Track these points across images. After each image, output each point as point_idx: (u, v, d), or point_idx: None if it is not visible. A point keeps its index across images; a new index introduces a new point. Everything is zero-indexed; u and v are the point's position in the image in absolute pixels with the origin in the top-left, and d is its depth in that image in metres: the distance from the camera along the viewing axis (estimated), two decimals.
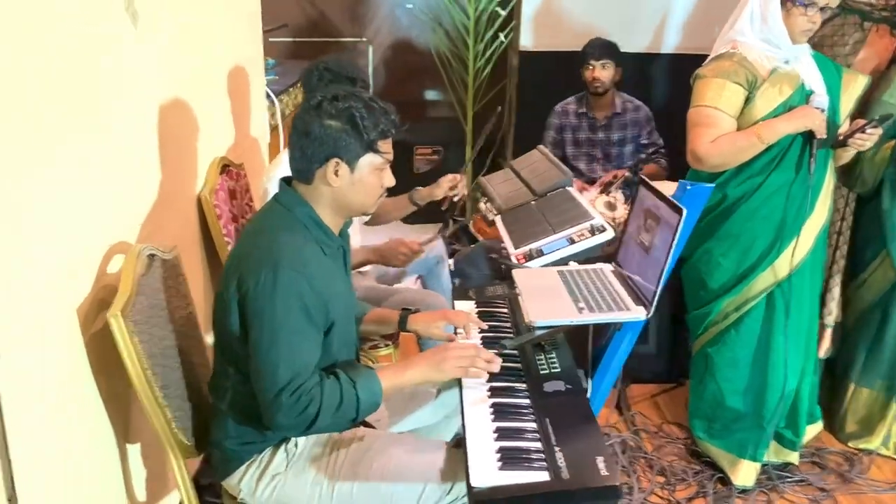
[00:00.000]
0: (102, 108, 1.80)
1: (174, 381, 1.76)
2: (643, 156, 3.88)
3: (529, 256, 2.30)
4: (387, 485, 1.69)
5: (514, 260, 2.30)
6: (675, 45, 4.31)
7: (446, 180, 2.80)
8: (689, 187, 1.78)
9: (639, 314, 1.71)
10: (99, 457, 1.76)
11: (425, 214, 3.09)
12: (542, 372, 1.78)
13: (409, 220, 3.16)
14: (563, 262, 2.26)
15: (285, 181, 1.74)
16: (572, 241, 2.31)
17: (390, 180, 1.75)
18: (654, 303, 1.72)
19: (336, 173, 1.67)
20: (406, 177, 2.89)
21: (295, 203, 1.70)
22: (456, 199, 2.83)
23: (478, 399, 1.69)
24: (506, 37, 4.58)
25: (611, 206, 3.38)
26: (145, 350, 1.66)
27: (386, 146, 1.71)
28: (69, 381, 1.62)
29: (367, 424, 1.88)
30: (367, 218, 2.81)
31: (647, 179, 1.91)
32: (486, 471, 1.45)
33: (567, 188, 2.74)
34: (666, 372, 3.31)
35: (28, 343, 1.47)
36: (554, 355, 1.84)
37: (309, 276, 1.61)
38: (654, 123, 3.90)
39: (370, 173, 1.70)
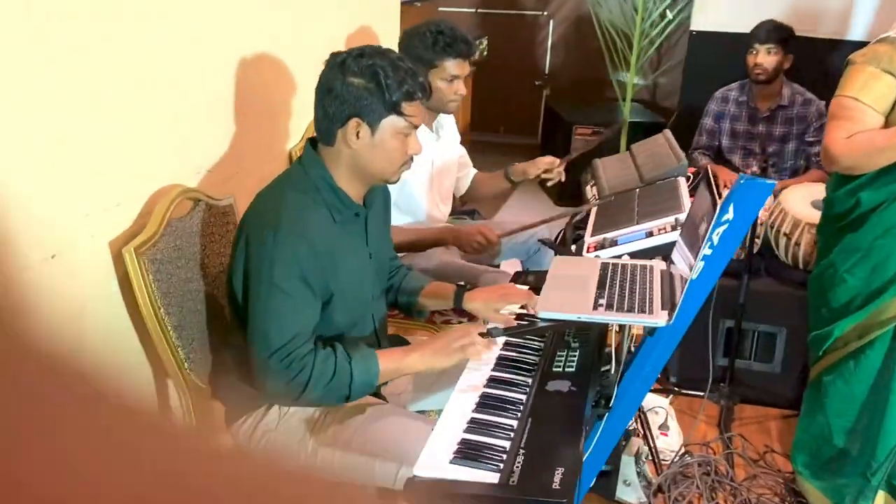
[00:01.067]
0: (190, 59, 1.88)
1: (192, 325, 1.80)
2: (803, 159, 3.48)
3: (601, 245, 2.12)
4: (365, 458, 1.63)
5: (585, 248, 2.13)
6: (866, 31, 3.77)
7: (544, 161, 2.66)
8: (742, 181, 1.53)
9: (659, 320, 1.51)
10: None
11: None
12: (554, 368, 1.63)
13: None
14: (641, 255, 2.06)
15: (311, 143, 1.71)
16: (650, 235, 2.10)
17: (416, 147, 1.67)
18: (677, 309, 1.50)
19: (357, 135, 1.61)
20: (562, 156, 2.78)
21: (312, 165, 1.66)
22: (549, 183, 2.68)
23: (471, 385, 1.58)
24: (675, 15, 4.25)
25: None
26: (160, 289, 1.71)
27: (412, 109, 1.63)
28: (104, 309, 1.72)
29: (379, 396, 1.82)
30: (442, 192, 2.73)
31: (710, 169, 1.66)
32: (435, 460, 1.35)
33: (679, 178, 2.49)
34: (787, 396, 2.95)
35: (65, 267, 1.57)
36: (577, 353, 1.69)
37: (310, 240, 1.57)
38: (825, 121, 3.46)
39: (392, 137, 1.62)
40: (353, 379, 1.57)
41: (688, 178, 2.56)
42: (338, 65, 1.60)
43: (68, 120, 1.61)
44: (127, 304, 1.73)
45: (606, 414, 1.63)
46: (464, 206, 3.15)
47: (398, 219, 2.55)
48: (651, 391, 3.00)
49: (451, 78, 2.43)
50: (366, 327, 1.80)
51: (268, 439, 1.73)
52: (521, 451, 1.36)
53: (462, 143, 5.01)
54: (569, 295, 1.63)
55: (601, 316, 1.53)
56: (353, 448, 1.65)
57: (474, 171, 2.90)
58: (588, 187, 2.80)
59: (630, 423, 2.35)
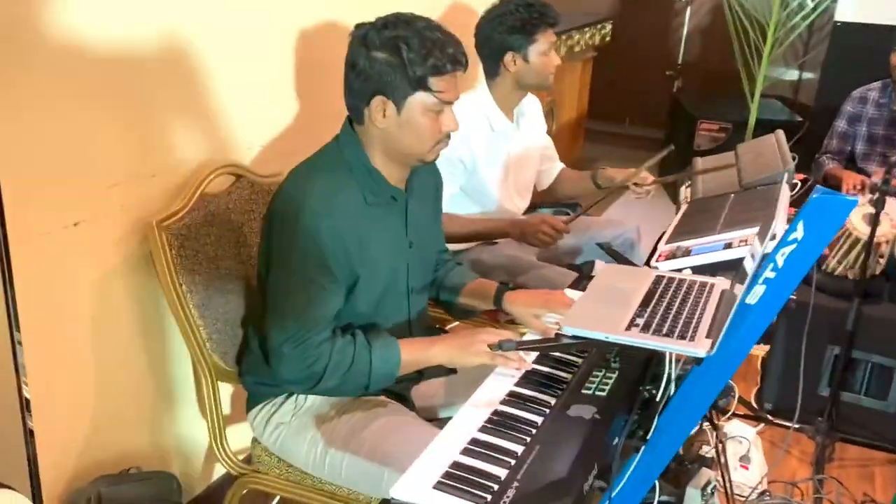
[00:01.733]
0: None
1: (219, 304, 1.73)
2: None
3: (673, 255, 1.89)
4: (374, 467, 1.52)
5: (655, 257, 1.91)
6: None
7: (633, 174, 2.42)
8: (816, 196, 1.28)
9: (700, 349, 1.29)
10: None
11: None
12: (583, 390, 1.45)
13: None
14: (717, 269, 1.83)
15: (349, 120, 1.60)
16: (728, 246, 1.85)
17: (451, 124, 1.52)
18: (719, 338, 1.29)
19: (383, 113, 1.49)
20: (686, 152, 2.56)
21: (347, 143, 1.56)
22: (634, 197, 2.45)
23: (487, 399, 1.43)
24: (819, 3, 3.84)
25: (872, 220, 2.68)
26: (183, 265, 1.66)
27: (442, 84, 1.48)
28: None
29: (404, 399, 1.70)
30: (523, 184, 2.55)
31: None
32: (418, 483, 1.21)
33: (780, 185, 2.21)
34: None
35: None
36: (615, 376, 1.50)
37: (335, 222, 1.46)
38: None
39: (422, 114, 1.49)
40: (371, 369, 1.49)
41: (794, 186, 2.27)
42: (360, 38, 1.48)
43: (101, 85, 1.58)
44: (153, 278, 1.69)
45: (643, 447, 1.43)
46: (559, 200, 2.91)
47: (467, 207, 2.41)
48: (738, 417, 2.73)
49: (547, 50, 2.27)
50: (398, 321, 1.68)
51: (280, 433, 1.64)
52: (516, 484, 1.20)
53: (575, 132, 4.81)
54: (603, 310, 1.44)
55: (632, 338, 1.33)
56: (363, 455, 1.54)
57: (560, 165, 2.70)
58: (683, 188, 2.55)
59: (707, 450, 2.12)
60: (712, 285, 1.55)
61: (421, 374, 1.76)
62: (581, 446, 1.30)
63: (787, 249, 1.32)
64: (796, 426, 2.34)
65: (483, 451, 1.29)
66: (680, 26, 5.57)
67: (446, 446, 1.30)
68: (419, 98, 1.47)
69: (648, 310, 1.43)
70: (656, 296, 1.49)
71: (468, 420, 1.38)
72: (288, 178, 1.56)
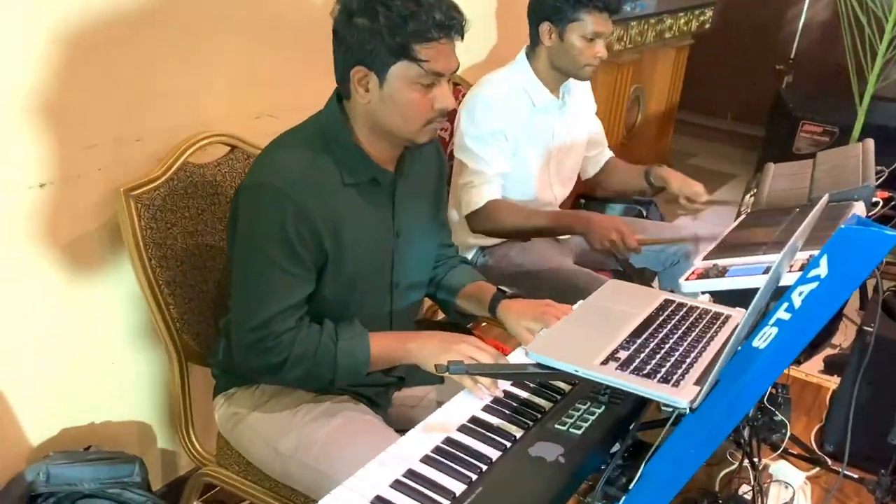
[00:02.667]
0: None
1: (193, 281, 1.62)
2: None
3: (705, 274, 1.65)
4: (319, 475, 1.38)
5: (686, 274, 1.67)
6: None
7: (692, 186, 2.16)
8: (844, 227, 1.03)
9: (681, 399, 1.07)
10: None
11: None
12: (557, 426, 1.25)
13: None
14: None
15: (337, 94, 1.43)
16: (768, 272, 1.60)
17: (445, 100, 1.34)
18: (708, 388, 1.06)
19: (366, 87, 1.32)
20: (783, 154, 2.29)
21: (331, 118, 1.40)
22: (680, 211, 2.18)
23: (441, 424, 1.25)
24: None
25: None
26: (154, 238, 1.55)
27: (430, 52, 1.29)
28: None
29: (373, 404, 1.54)
30: (567, 172, 2.32)
31: None
32: None
33: (855, 202, 1.92)
34: None
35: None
36: (598, 412, 1.29)
37: (300, 199, 1.31)
38: None
39: (407, 87, 1.31)
40: (337, 363, 1.35)
41: (874, 206, 1.97)
42: (343, 3, 1.31)
43: (80, 34, 1.47)
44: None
45: (623, 498, 1.23)
46: (646, 195, 2.61)
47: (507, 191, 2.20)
48: (790, 456, 2.43)
49: (593, 36, 2.02)
50: (377, 317, 1.52)
51: (239, 426, 1.52)
52: None
53: (664, 123, 4.48)
54: (583, 337, 1.24)
55: (606, 375, 1.13)
56: (311, 460, 1.39)
57: (609, 154, 2.45)
58: (747, 196, 2.27)
59: (746, 491, 1.87)
60: (727, 318, 1.32)
61: (403, 381, 1.60)
62: (531, 493, 1.11)
63: (807, 288, 1.09)
64: (855, 476, 2.04)
65: (416, 485, 1.12)
66: (796, 17, 5.12)
67: (377, 474, 1.14)
68: (401, 69, 1.29)
69: (638, 342, 1.22)
70: (654, 325, 1.28)
71: (413, 446, 1.20)
72: (263, 152, 1.42)
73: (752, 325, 1.15)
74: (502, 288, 1.59)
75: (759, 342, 1.14)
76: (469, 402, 1.29)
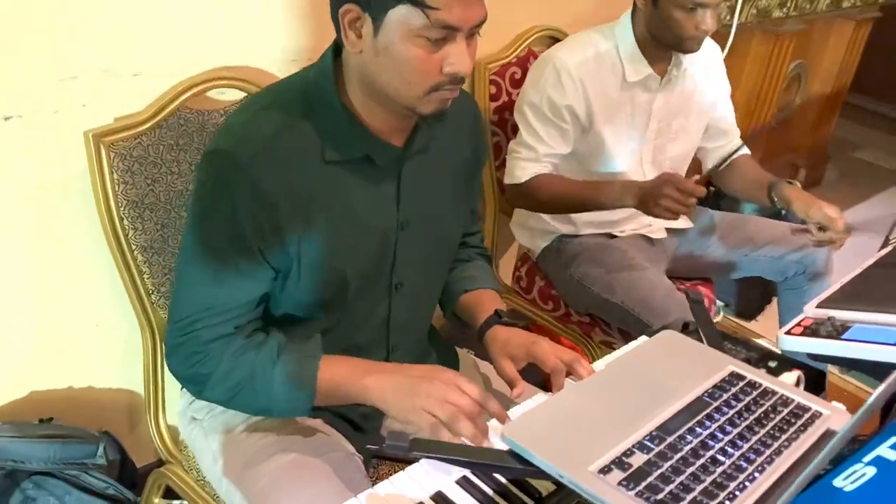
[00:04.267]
0: None
1: (172, 250, 1.37)
2: None
3: (814, 329, 1.24)
4: None
5: (790, 325, 1.26)
6: None
7: (823, 212, 1.69)
8: None
9: None
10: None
11: None
12: None
13: None
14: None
15: (335, 45, 1.11)
16: None
17: (459, 62, 0.99)
18: None
19: (358, 33, 1.00)
20: None
21: (320, 73, 1.08)
22: (812, 241, 1.72)
23: (396, 492, 0.95)
24: None
25: None
26: (128, 194, 1.31)
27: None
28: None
29: (353, 425, 1.24)
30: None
31: None
32: None
33: None
34: None
35: None
36: None
37: (261, 176, 1.01)
38: None
39: (407, 40, 0.97)
40: (272, 392, 1.04)
41: None
42: None
43: None
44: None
45: None
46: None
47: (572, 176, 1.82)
48: None
49: (694, 6, 1.59)
50: (369, 329, 1.22)
51: (194, 428, 1.28)
52: None
53: (829, 106, 3.84)
54: (589, 419, 0.88)
55: (600, 494, 0.78)
56: (253, 495, 1.13)
57: (742, 151, 1.98)
58: None
59: None
60: (817, 417, 0.92)
61: None
62: None
63: None
64: None
65: None
66: None
67: None
68: (402, 14, 0.95)
69: (668, 440, 0.85)
70: (699, 415, 0.90)
71: None
72: (233, 111, 1.13)
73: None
74: (501, 311, 1.24)
75: (846, 482, 0.77)
76: (433, 472, 0.98)
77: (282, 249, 1.06)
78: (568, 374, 1.07)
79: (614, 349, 1.86)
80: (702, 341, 1.10)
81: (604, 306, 1.79)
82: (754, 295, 2.76)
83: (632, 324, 1.73)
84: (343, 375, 1.03)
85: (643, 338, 1.19)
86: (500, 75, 1.96)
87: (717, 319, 2.76)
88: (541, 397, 1.06)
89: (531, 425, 0.87)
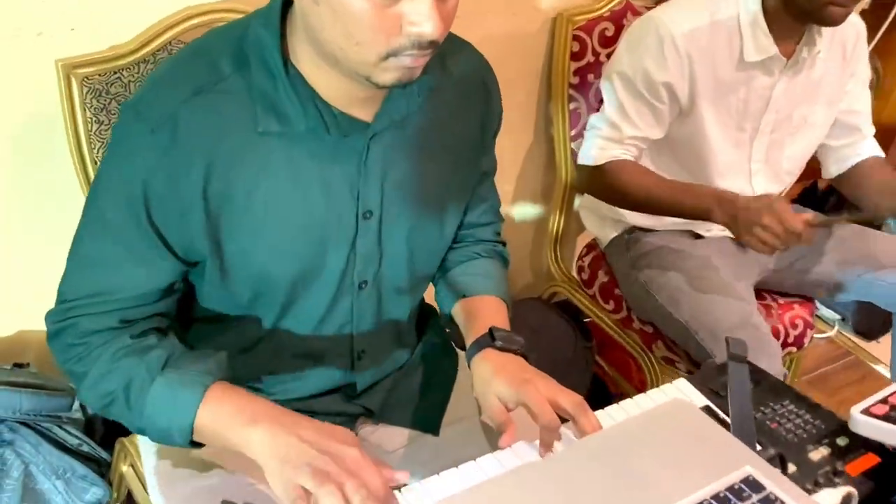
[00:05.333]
0: None
1: None
2: None
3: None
4: None
5: (862, 407, 0.95)
6: None
7: None
8: None
9: None
10: None
11: None
12: None
13: None
14: None
15: None
16: None
17: (421, 20, 0.73)
18: None
19: None
20: None
21: (262, 20, 0.84)
22: None
23: None
24: None
25: None
26: (100, 135, 1.15)
27: None
28: None
29: None
30: None
31: None
32: None
33: None
34: None
35: None
36: None
37: (168, 141, 0.81)
38: None
39: None
40: (144, 412, 0.84)
41: None
42: None
43: None
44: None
45: None
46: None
47: (659, 168, 1.54)
48: None
49: None
50: (330, 337, 1.01)
51: None
52: None
53: None
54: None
55: None
56: None
57: (870, 148, 1.61)
58: None
59: None
60: None
61: (372, 414, 1.10)
62: None
63: None
64: None
65: None
66: None
67: None
68: None
69: None
70: None
71: None
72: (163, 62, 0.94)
73: None
74: (497, 330, 0.98)
75: None
76: None
77: (191, 238, 0.86)
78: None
79: (677, 369, 1.59)
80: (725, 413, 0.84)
81: (666, 320, 1.51)
82: (879, 310, 2.35)
83: (693, 349, 1.44)
84: (225, 418, 0.81)
85: (647, 400, 0.93)
86: (586, 30, 1.66)
87: (828, 335, 2.38)
88: (508, 458, 0.82)
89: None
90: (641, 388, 1.93)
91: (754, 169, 1.55)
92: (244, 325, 0.96)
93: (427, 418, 1.10)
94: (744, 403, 0.84)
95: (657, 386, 1.66)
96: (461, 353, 1.20)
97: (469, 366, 0.98)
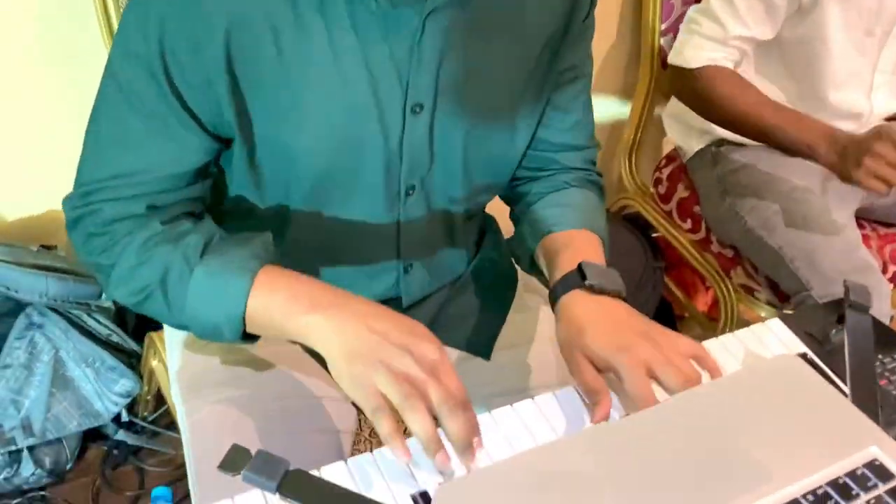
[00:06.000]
0: None
1: None
2: None
3: None
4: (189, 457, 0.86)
5: None
6: None
7: None
8: None
9: None
10: None
11: None
12: None
13: None
14: None
15: None
16: None
17: None
18: None
19: None
20: None
21: None
22: None
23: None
24: None
25: None
26: None
27: None
28: None
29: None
30: None
31: None
32: None
33: None
34: None
35: None
36: None
37: (187, 5, 0.68)
38: None
39: None
40: (186, 303, 0.73)
41: None
42: None
43: None
44: None
45: None
46: None
47: (759, 81, 1.35)
48: None
49: None
50: (369, 235, 0.88)
51: None
52: None
53: None
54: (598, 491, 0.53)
55: None
56: (186, 434, 0.88)
57: None
58: None
59: None
60: None
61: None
62: None
63: None
64: None
65: None
66: None
67: None
68: None
69: None
70: None
71: None
72: None
73: None
74: (589, 266, 0.80)
75: None
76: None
77: (218, 107, 0.73)
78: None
79: (756, 298, 1.44)
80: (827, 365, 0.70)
81: (755, 245, 1.34)
82: None
83: (785, 278, 1.28)
84: (281, 305, 0.70)
85: (750, 336, 0.78)
86: None
87: None
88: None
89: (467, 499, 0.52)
90: (710, 312, 1.79)
91: (877, 82, 1.34)
92: (275, 223, 0.83)
93: (478, 341, 0.98)
94: (866, 366, 0.69)
95: (730, 314, 1.54)
96: (522, 275, 1.07)
97: (554, 311, 0.81)
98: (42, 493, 1.34)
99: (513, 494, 0.52)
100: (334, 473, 0.62)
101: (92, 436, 1.42)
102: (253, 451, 0.54)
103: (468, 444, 0.61)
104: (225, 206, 0.85)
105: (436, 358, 0.65)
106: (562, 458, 0.55)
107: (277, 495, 0.51)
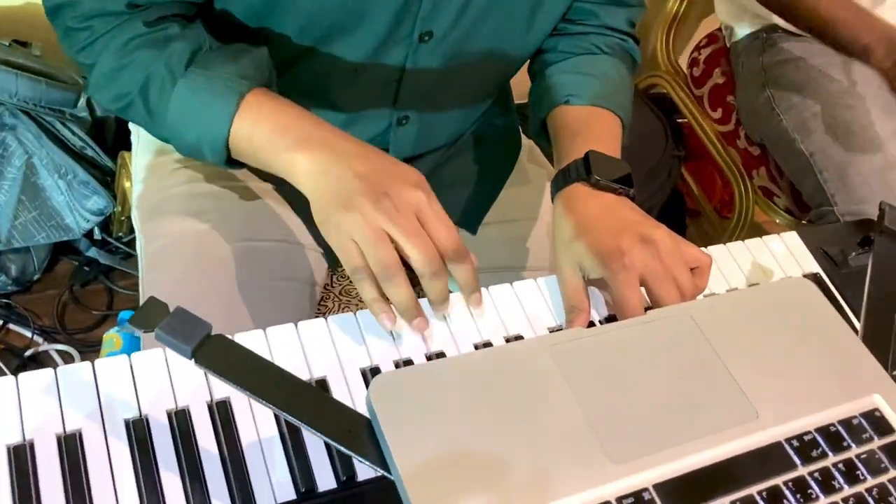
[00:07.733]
0: None
1: None
2: None
3: None
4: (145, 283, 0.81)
5: None
6: None
7: None
8: None
9: None
10: None
11: None
12: None
13: None
14: None
15: None
16: None
17: None
18: None
19: None
20: None
21: None
22: None
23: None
24: None
25: None
26: None
27: None
28: None
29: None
30: None
31: None
32: None
33: None
34: None
35: None
36: None
37: None
38: None
39: None
40: (167, 116, 0.65)
41: None
42: None
43: None
44: None
45: None
46: None
47: None
48: None
49: None
50: (367, 77, 0.77)
51: (134, 136, 0.95)
52: None
53: None
54: (565, 415, 0.46)
55: None
56: (145, 267, 0.81)
57: None
58: None
59: None
60: None
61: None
62: None
63: None
64: None
65: None
66: None
67: None
68: None
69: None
70: (768, 480, 0.46)
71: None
72: None
73: None
74: (596, 155, 0.69)
75: None
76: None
77: None
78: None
79: (774, 204, 1.35)
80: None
81: (786, 147, 1.23)
82: None
83: (810, 188, 1.19)
84: (266, 136, 0.62)
85: (760, 246, 0.71)
86: None
87: None
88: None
89: (406, 388, 0.46)
90: (723, 210, 1.70)
91: None
92: (265, 41, 0.72)
93: (466, 211, 0.90)
94: (887, 301, 0.61)
95: (744, 215, 1.45)
96: (527, 144, 0.97)
97: (553, 201, 0.72)
98: (6, 300, 1.30)
99: (456, 391, 0.45)
100: (313, 329, 0.57)
101: (63, 250, 1.37)
102: (174, 306, 0.47)
103: (444, 304, 0.59)
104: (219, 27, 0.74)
105: (421, 203, 0.59)
106: (518, 361, 0.48)
107: (193, 362, 0.45)
